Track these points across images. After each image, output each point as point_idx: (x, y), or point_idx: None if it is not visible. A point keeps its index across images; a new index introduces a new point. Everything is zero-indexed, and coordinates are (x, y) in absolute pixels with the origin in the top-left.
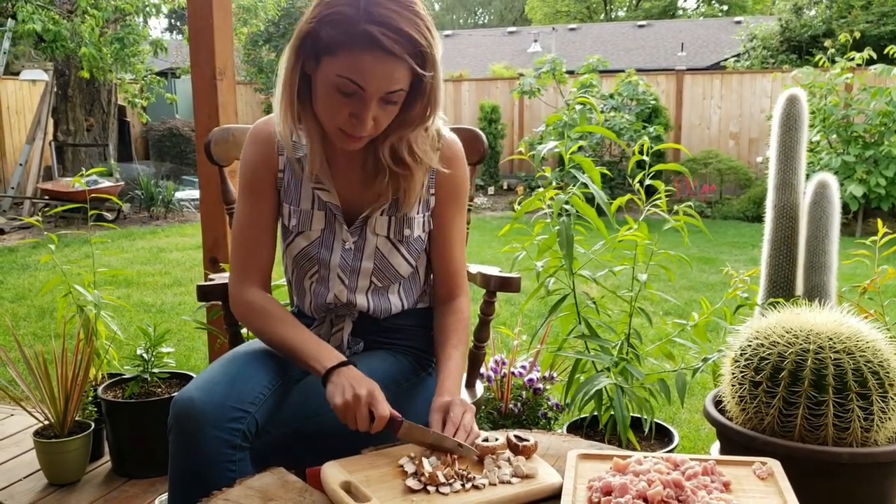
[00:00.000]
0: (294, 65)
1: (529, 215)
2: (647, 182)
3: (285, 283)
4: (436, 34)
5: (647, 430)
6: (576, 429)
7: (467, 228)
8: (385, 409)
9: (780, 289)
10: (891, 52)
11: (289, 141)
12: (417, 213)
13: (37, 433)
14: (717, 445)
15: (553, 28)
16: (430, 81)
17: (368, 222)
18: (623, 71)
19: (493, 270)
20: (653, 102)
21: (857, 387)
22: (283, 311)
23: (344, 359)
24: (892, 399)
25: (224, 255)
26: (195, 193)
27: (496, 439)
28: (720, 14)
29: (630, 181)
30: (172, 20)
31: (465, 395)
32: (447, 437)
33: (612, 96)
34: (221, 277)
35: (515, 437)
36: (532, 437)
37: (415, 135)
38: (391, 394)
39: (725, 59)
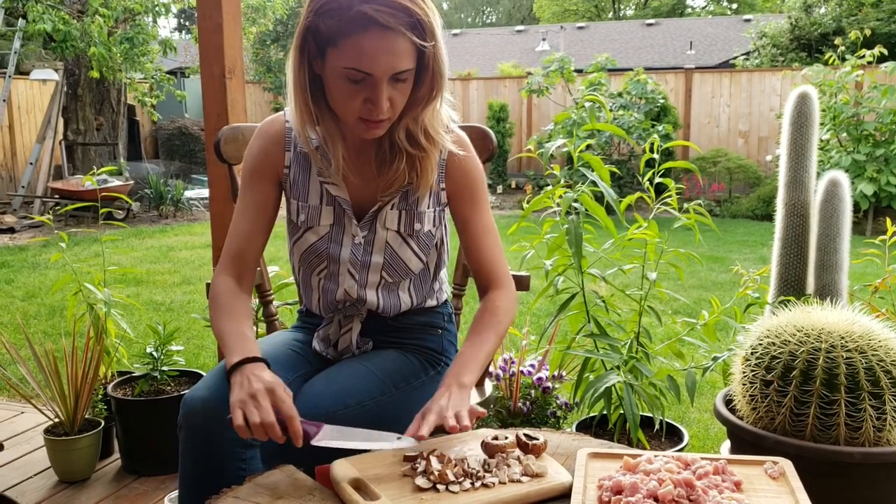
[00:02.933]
0: (300, 66)
1: (537, 214)
2: (657, 180)
3: (294, 282)
4: (431, 3)
5: (657, 426)
6: (585, 428)
7: None
8: (291, 407)
9: (791, 287)
10: None
11: (304, 135)
12: (428, 208)
13: (47, 431)
14: (727, 445)
15: (561, 27)
16: (431, 52)
17: (378, 216)
18: (632, 69)
19: None
20: (661, 101)
21: (869, 386)
22: (234, 302)
23: (253, 354)
24: None
25: None
26: (204, 192)
27: (506, 438)
28: (729, 12)
29: (640, 179)
30: (181, 20)
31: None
32: (375, 431)
33: (620, 95)
34: None
35: (525, 435)
36: (542, 435)
37: (427, 114)
38: (400, 392)
39: (734, 58)
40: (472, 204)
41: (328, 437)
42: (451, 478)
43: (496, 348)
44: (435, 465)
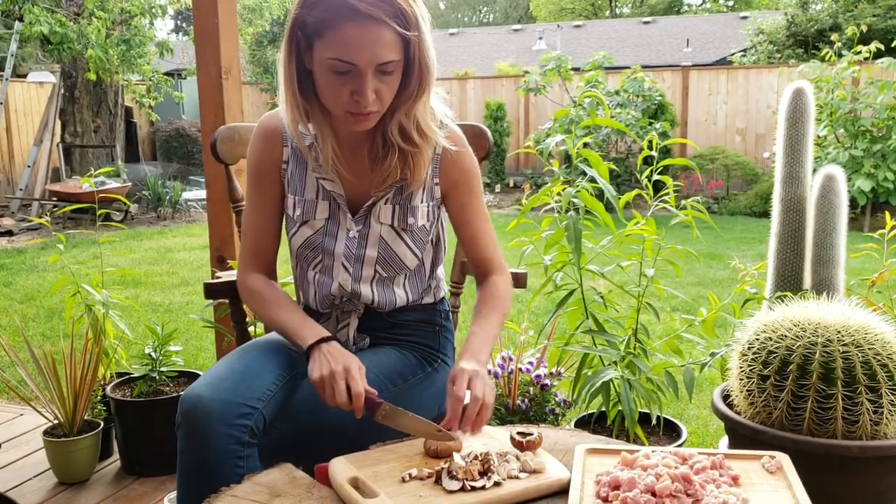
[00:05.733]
0: (290, 60)
1: (535, 212)
2: (655, 178)
3: (292, 281)
4: None
5: (654, 421)
6: (583, 424)
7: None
8: (360, 385)
9: (788, 283)
10: None
11: (296, 131)
12: (421, 202)
13: (46, 432)
14: (725, 440)
15: (558, 25)
16: (417, 44)
17: (373, 211)
18: (629, 67)
19: None
20: (658, 99)
21: (865, 380)
22: (279, 293)
23: (327, 334)
24: None
25: (231, 253)
26: (202, 194)
27: (531, 433)
28: (725, 9)
29: (638, 176)
30: (178, 21)
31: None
32: (428, 422)
33: (617, 93)
34: (228, 275)
35: (518, 433)
36: (535, 430)
37: (419, 109)
38: (397, 389)
39: (731, 55)
40: (468, 196)
41: (387, 418)
42: (476, 475)
43: (501, 329)
44: (458, 461)
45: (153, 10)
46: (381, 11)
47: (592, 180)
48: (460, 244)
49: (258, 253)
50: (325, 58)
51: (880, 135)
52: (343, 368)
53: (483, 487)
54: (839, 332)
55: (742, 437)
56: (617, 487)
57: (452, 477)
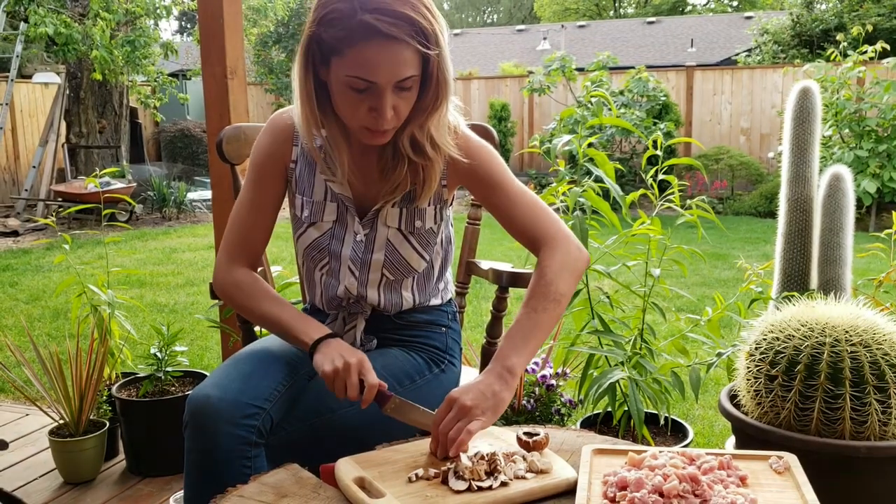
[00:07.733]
0: (306, 74)
1: None
2: (660, 177)
3: (298, 281)
4: (435, 12)
5: (662, 422)
6: (589, 425)
7: (478, 224)
8: (375, 378)
9: (795, 283)
10: None
11: (308, 135)
12: (429, 205)
13: (52, 432)
14: (731, 440)
15: (562, 25)
16: (436, 60)
17: (380, 214)
18: (633, 68)
19: (505, 266)
20: (663, 99)
21: (874, 380)
22: (270, 289)
23: (329, 332)
24: None
25: None
26: (207, 194)
27: (537, 433)
28: (730, 10)
29: (643, 176)
30: (183, 22)
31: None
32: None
33: (622, 93)
34: None
35: (525, 433)
36: (542, 430)
37: (433, 123)
38: (404, 390)
39: (736, 55)
40: (488, 187)
41: (395, 411)
42: (483, 475)
43: (555, 313)
44: (465, 461)
45: (158, 12)
46: (402, 31)
47: (597, 180)
48: (504, 227)
49: (247, 247)
50: (343, 75)
51: (886, 135)
52: (357, 360)
53: (490, 488)
54: (847, 332)
55: (749, 437)
56: (624, 488)
57: (459, 477)
